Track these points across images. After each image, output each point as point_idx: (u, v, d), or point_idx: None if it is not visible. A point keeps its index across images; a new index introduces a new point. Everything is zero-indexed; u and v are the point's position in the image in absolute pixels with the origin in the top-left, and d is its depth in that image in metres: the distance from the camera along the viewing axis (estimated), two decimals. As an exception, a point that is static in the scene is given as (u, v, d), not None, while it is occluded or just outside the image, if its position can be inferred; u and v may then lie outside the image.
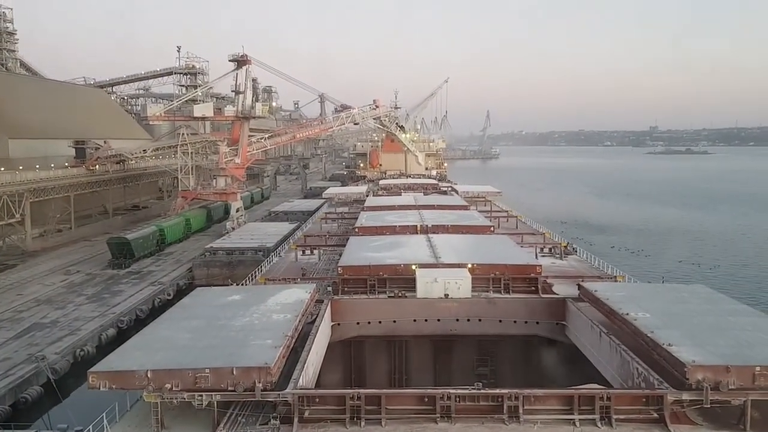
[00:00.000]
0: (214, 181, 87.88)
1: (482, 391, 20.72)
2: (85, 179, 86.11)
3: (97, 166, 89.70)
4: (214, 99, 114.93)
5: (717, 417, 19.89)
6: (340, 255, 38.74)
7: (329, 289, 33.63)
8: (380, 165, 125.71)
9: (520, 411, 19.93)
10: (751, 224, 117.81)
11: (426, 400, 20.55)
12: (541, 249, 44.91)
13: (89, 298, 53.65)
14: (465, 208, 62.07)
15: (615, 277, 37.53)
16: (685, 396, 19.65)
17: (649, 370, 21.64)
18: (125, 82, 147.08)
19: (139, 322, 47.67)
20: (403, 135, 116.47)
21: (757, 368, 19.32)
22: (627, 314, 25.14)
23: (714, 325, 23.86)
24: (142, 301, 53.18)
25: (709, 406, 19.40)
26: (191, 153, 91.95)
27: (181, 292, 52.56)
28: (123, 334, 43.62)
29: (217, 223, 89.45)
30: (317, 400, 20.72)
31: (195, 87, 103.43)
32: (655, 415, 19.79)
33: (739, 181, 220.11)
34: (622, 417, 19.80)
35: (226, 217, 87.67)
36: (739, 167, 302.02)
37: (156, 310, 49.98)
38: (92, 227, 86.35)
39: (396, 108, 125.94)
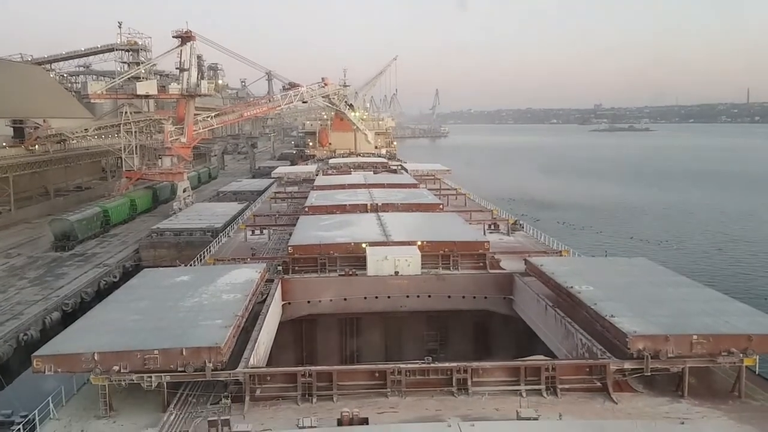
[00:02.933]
0: (160, 160, 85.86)
1: (432, 365, 21.12)
2: (25, 160, 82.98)
3: (37, 146, 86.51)
4: (158, 76, 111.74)
5: (657, 384, 20.78)
6: (290, 234, 38.59)
7: (279, 268, 33.50)
8: (330, 144, 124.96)
9: (469, 383, 20.41)
10: (690, 200, 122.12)
11: (377, 375, 20.83)
12: (489, 226, 45.65)
13: (32, 282, 52.04)
14: (414, 186, 62.50)
15: (560, 251, 38.49)
16: (627, 365, 20.45)
17: (592, 340, 22.40)
18: (64, 59, 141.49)
19: (85, 305, 46.50)
20: (353, 113, 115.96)
21: (694, 337, 20.21)
22: (571, 287, 25.89)
23: (654, 297, 24.80)
24: (87, 283, 51.87)
25: (649, 373, 20.26)
26: (135, 132, 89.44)
27: (127, 274, 51.42)
28: (68, 318, 42.51)
29: (163, 204, 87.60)
30: (268, 378, 20.76)
31: (137, 64, 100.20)
32: (599, 383, 20.56)
33: (678, 158, 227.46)
34: (566, 386, 20.49)
35: (172, 198, 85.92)
36: (679, 144, 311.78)
37: (102, 292, 48.82)
38: (33, 209, 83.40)
39: (345, 86, 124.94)
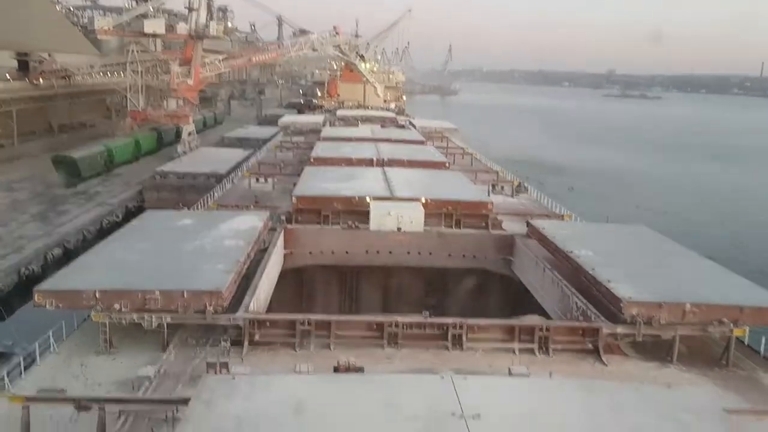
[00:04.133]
0: (165, 102, 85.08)
1: (429, 320, 21.50)
2: (28, 94, 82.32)
3: (41, 81, 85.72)
4: (167, 15, 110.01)
5: (647, 350, 21.15)
6: (295, 184, 38.59)
7: (283, 217, 33.65)
8: (338, 95, 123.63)
9: (464, 339, 20.80)
10: (700, 172, 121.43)
11: (374, 326, 21.20)
12: (494, 186, 45.59)
13: (34, 217, 52.28)
14: (421, 143, 62.14)
15: (562, 216, 38.57)
16: (620, 329, 20.79)
17: (587, 304, 22.69)
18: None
19: (87, 243, 46.83)
20: (363, 65, 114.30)
21: (688, 305, 20.48)
22: (571, 252, 26.07)
23: (652, 264, 25.02)
24: (89, 221, 52.15)
25: (641, 339, 20.62)
26: (141, 72, 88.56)
27: (130, 215, 51.62)
28: (69, 254, 42.88)
29: (167, 147, 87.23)
30: (268, 324, 21.12)
31: (146, 1, 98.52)
32: (591, 346, 20.93)
33: (689, 130, 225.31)
34: (559, 347, 20.89)
35: (177, 141, 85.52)
36: (691, 115, 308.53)
37: (104, 231, 49.08)
38: (37, 144, 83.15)
39: (357, 36, 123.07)
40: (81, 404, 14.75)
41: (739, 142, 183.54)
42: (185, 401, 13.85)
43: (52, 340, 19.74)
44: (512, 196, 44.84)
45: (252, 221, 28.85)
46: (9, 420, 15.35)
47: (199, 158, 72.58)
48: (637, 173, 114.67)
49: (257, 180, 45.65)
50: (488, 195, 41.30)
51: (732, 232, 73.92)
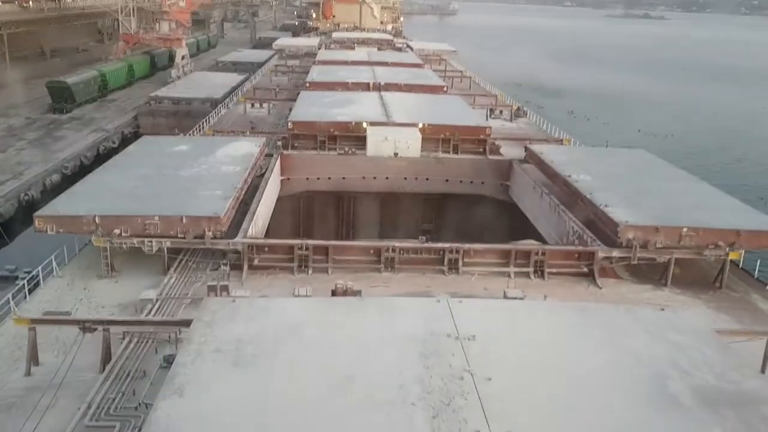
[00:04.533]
0: (157, 25, 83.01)
1: (425, 245, 21.73)
2: (19, 17, 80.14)
3: (31, 3, 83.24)
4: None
5: (642, 273, 21.48)
6: (290, 110, 38.17)
7: (279, 143, 33.41)
8: (333, 16, 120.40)
9: (460, 263, 21.07)
10: (703, 95, 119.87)
11: (371, 251, 21.44)
12: (492, 111, 45.10)
13: (31, 143, 51.93)
14: (419, 66, 61.06)
15: (561, 140, 38.36)
16: (615, 253, 21.03)
17: (584, 228, 22.88)
18: None
19: (84, 168, 46.70)
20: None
21: (684, 229, 20.66)
22: (569, 176, 26.06)
23: (650, 188, 25.07)
24: (86, 147, 51.82)
25: (636, 262, 20.87)
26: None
27: (126, 141, 51.26)
28: (68, 180, 42.83)
29: (161, 71, 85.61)
30: (266, 249, 21.33)
31: None
32: (586, 269, 21.22)
33: (693, 51, 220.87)
34: (554, 271, 21.19)
35: (170, 65, 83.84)
36: (696, 36, 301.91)
37: (101, 157, 48.85)
38: (29, 69, 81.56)
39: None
40: (86, 326, 15.06)
41: (745, 63, 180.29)
42: (187, 323, 14.14)
43: (54, 264, 19.98)
44: (511, 120, 44.41)
45: (248, 147, 28.68)
46: (15, 342, 15.74)
47: (193, 83, 71.44)
48: (640, 96, 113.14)
49: (252, 105, 45.12)
50: (486, 120, 40.92)
51: (734, 156, 73.76)
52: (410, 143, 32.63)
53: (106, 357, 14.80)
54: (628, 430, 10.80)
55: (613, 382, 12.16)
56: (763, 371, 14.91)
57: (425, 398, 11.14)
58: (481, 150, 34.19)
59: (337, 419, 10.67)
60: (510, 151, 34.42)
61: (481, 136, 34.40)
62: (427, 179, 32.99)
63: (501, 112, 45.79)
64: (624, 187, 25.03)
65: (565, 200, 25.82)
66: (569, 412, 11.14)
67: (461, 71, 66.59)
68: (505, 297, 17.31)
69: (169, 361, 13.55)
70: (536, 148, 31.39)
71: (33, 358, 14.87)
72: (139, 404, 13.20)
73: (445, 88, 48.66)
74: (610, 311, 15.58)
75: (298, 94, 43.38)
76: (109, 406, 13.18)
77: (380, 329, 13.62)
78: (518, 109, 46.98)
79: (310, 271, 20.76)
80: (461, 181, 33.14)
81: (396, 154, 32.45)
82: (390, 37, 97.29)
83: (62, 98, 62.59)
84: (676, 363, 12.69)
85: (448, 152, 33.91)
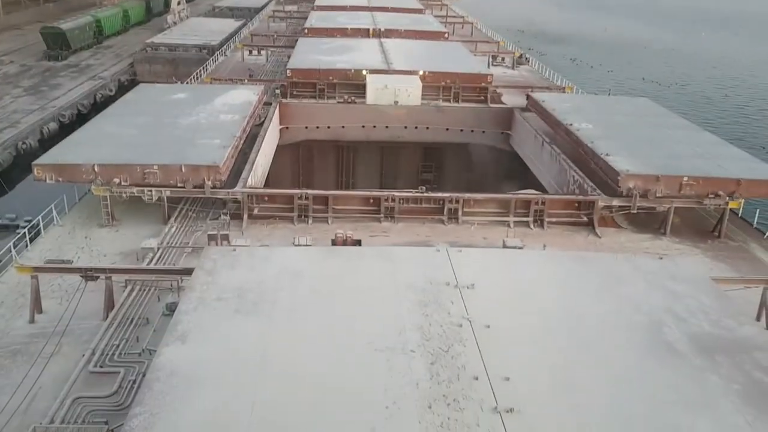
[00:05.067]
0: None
1: (425, 194, 21.69)
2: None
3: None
4: None
5: (641, 222, 21.54)
6: (289, 57, 37.58)
7: (277, 91, 33.01)
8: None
9: (459, 213, 21.11)
10: (710, 43, 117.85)
11: (371, 201, 21.44)
12: (494, 58, 44.44)
13: (27, 91, 51.34)
14: (420, 11, 59.95)
15: (564, 88, 37.88)
16: (615, 202, 21.06)
17: (584, 177, 22.83)
18: None
19: (81, 117, 46.32)
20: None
21: (685, 178, 20.63)
22: (570, 125, 25.86)
23: (651, 137, 24.92)
24: (83, 95, 51.22)
25: (635, 211, 20.90)
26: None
27: (123, 88, 50.65)
28: (65, 129, 42.52)
29: (156, 17, 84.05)
30: (266, 198, 21.34)
31: None
32: (585, 219, 21.28)
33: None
34: (553, 220, 21.25)
35: (166, 11, 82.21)
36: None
37: (98, 105, 48.36)
38: (23, 15, 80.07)
39: None
40: (88, 274, 15.17)
41: (753, 8, 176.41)
42: (189, 272, 14.25)
43: (54, 213, 20.01)
44: (513, 68, 43.80)
45: (246, 95, 28.35)
46: (18, 290, 15.88)
47: (189, 29, 70.09)
48: (644, 44, 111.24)
49: (250, 52, 44.38)
50: (488, 67, 40.36)
51: (737, 105, 72.92)
52: (410, 91, 32.26)
53: (109, 305, 14.95)
54: (624, 377, 10.98)
55: (611, 330, 12.31)
56: (758, 319, 15.09)
57: (424, 345, 11.30)
58: (482, 98, 33.82)
59: (337, 365, 10.84)
60: (511, 100, 34.04)
61: (483, 84, 33.96)
62: (427, 128, 32.73)
63: (503, 59, 45.15)
64: (626, 135, 24.87)
65: (566, 149, 25.68)
66: (566, 359, 11.31)
67: (463, 17, 65.33)
68: (504, 246, 17.38)
69: (171, 308, 13.69)
70: (538, 96, 31.04)
71: (36, 306, 15.03)
72: (143, 350, 13.40)
73: (446, 35, 47.82)
74: (609, 260, 15.68)
75: (297, 40, 42.65)
76: (113, 353, 13.40)
77: (380, 278, 13.71)
78: (520, 56, 46.28)
79: (310, 221, 20.80)
80: (462, 130, 32.89)
81: (396, 103, 32.11)
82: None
83: (57, 45, 61.56)
84: (673, 311, 12.82)
85: (449, 100, 33.53)
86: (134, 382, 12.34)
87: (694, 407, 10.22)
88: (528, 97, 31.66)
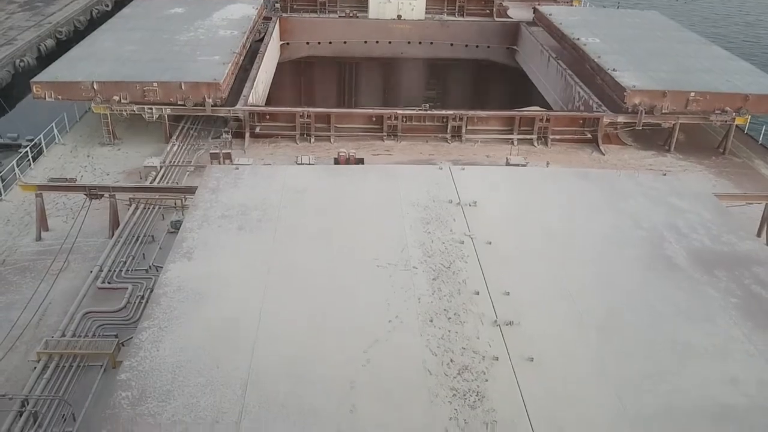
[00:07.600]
0: None
1: (428, 112, 21.41)
2: None
3: None
4: None
5: (646, 138, 21.35)
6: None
7: (277, 6, 32.09)
8: None
9: (463, 131, 20.91)
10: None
11: (374, 119, 21.22)
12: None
13: (21, 6, 49.93)
14: None
15: (571, 1, 36.70)
16: (620, 119, 20.81)
17: (590, 94, 22.47)
18: None
19: (78, 33, 45.26)
20: None
21: (692, 94, 20.30)
22: (578, 39, 25.24)
23: (659, 51, 24.35)
24: (79, 11, 49.84)
25: (640, 128, 20.68)
26: None
27: (120, 3, 49.17)
28: (62, 46, 41.63)
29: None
30: (267, 117, 21.13)
31: None
32: (589, 135, 21.10)
33: None
34: (557, 137, 21.07)
35: None
36: None
37: (95, 21, 47.19)
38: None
39: None
40: (92, 193, 15.22)
41: None
42: (192, 190, 14.29)
43: (56, 131, 19.92)
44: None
45: (245, 10, 27.58)
46: (24, 208, 16.01)
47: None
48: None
49: (249, -36, 42.78)
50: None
51: (748, 20, 70.77)
52: (414, 5, 31.40)
53: (114, 223, 15.08)
54: (624, 290, 11.14)
55: (612, 245, 12.41)
56: (759, 234, 15.18)
57: (426, 261, 11.44)
58: (488, 12, 32.90)
59: (341, 281, 11.02)
60: (518, 13, 33.07)
61: (488, -3, 32.92)
62: (431, 44, 31.99)
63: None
64: (633, 50, 24.29)
65: (572, 65, 25.15)
66: (568, 274, 11.44)
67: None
68: (508, 164, 17.31)
69: (176, 226, 13.82)
70: (545, 9, 30.11)
71: (42, 224, 15.18)
72: (150, 267, 13.61)
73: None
74: (612, 176, 15.61)
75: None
76: (121, 269, 13.60)
77: (383, 196, 13.72)
78: (528, -33, 44.52)
79: (312, 140, 20.66)
80: (466, 46, 32.14)
81: (399, 17, 31.30)
82: None
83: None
84: (675, 226, 12.89)
85: (454, 14, 32.67)
86: (142, 297, 12.58)
87: (692, 319, 10.43)
88: (535, 10, 30.73)
